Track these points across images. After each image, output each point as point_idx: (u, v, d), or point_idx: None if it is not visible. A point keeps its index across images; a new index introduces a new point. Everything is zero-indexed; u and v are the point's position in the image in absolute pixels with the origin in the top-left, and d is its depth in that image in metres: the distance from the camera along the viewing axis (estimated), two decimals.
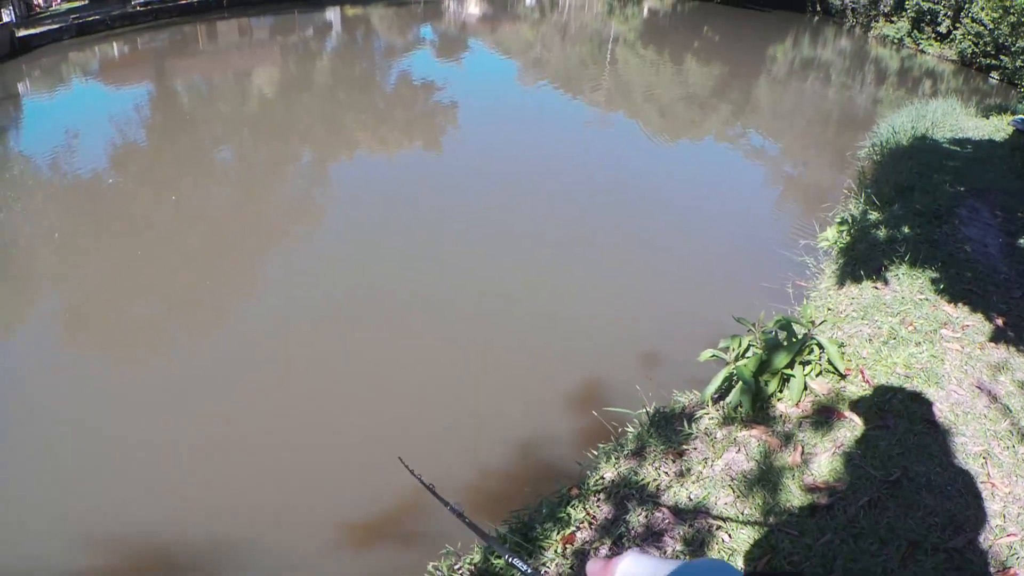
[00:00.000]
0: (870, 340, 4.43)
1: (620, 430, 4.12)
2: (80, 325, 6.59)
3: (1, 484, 4.59)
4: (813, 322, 4.11)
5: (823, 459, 3.37)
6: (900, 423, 3.58)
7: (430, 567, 3.37)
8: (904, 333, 4.49)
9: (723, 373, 3.83)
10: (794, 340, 3.87)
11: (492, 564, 3.14)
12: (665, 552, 2.95)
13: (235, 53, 19.34)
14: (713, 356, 3.99)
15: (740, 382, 3.69)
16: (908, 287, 5.19)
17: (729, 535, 2.98)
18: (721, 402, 3.88)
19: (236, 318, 6.67)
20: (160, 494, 4.49)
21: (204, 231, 8.50)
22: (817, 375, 3.94)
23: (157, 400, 5.37)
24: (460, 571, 3.26)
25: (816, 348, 3.99)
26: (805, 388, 3.81)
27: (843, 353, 4.07)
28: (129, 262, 7.53)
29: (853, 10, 28.52)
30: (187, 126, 13.23)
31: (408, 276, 7.21)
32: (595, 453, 3.93)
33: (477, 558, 3.26)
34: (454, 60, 20.66)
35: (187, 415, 5.22)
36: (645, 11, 30.23)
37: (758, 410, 3.74)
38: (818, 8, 31.04)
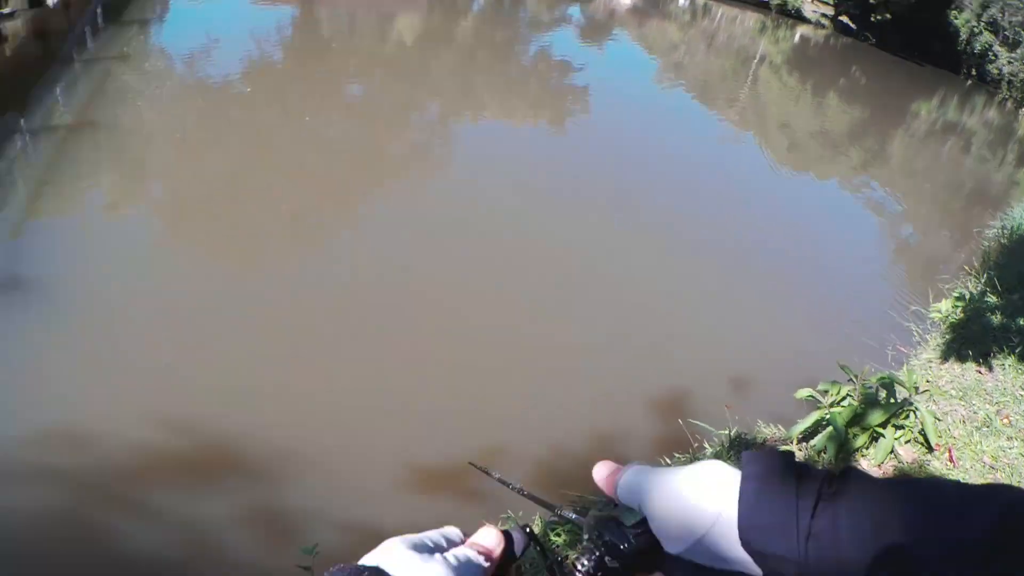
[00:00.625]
0: (963, 422, 4.39)
1: (696, 445, 4.20)
2: (184, 221, 6.92)
3: (93, 357, 4.85)
4: (916, 388, 4.10)
5: None
6: None
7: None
8: (998, 424, 4.43)
9: (815, 416, 3.88)
10: (892, 401, 3.88)
11: (550, 540, 3.26)
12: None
13: None
14: (809, 396, 4.03)
15: (830, 428, 3.73)
16: (1012, 379, 5.09)
17: None
18: (805, 443, 3.93)
19: (337, 250, 6.94)
20: (237, 395, 4.68)
21: (322, 157, 8.84)
22: (906, 442, 3.95)
23: (248, 308, 5.62)
24: None
25: (912, 415, 3.99)
26: (891, 451, 3.83)
27: (936, 427, 4.05)
28: (243, 170, 7.91)
29: (1009, 83, 27.13)
30: (324, 55, 13.67)
31: (513, 254, 7.33)
32: (669, 461, 4.03)
33: (537, 529, 3.39)
34: (596, 45, 20.60)
35: (276, 329, 5.45)
36: (797, 37, 29.41)
37: (840, 460, 3.78)
38: (973, 72, 29.62)
